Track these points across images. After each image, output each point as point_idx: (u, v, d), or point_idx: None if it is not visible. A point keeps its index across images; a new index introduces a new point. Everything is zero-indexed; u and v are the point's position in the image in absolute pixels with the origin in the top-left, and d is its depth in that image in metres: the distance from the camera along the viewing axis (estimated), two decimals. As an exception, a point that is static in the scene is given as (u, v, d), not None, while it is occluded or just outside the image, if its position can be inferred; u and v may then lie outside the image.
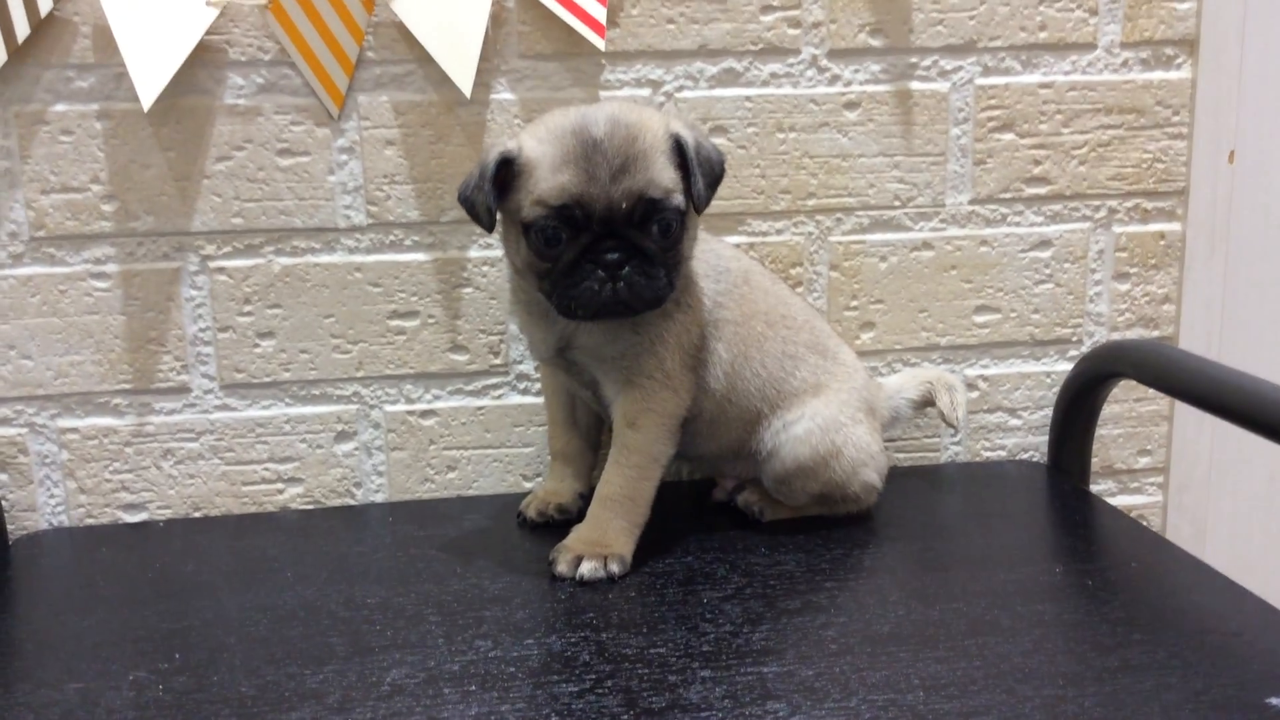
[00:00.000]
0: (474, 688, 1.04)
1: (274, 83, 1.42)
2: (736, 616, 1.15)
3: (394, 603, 1.22)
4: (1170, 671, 1.03)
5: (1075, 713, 0.97)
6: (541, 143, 1.17)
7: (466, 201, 1.22)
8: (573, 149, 1.14)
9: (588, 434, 1.43)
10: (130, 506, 1.50)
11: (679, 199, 1.17)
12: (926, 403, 1.46)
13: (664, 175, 1.16)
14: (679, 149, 1.18)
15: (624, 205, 1.14)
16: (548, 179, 1.15)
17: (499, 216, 1.24)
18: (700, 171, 1.18)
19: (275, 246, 1.46)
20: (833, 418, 1.33)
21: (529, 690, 1.03)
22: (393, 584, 1.26)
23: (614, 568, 1.25)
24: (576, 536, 1.29)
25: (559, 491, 1.43)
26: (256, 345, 1.48)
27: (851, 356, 1.42)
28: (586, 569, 1.24)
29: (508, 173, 1.19)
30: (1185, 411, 1.63)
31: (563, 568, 1.26)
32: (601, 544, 1.27)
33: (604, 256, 1.15)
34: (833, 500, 1.36)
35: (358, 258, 1.47)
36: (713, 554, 1.32)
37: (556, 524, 1.38)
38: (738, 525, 1.40)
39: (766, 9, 1.47)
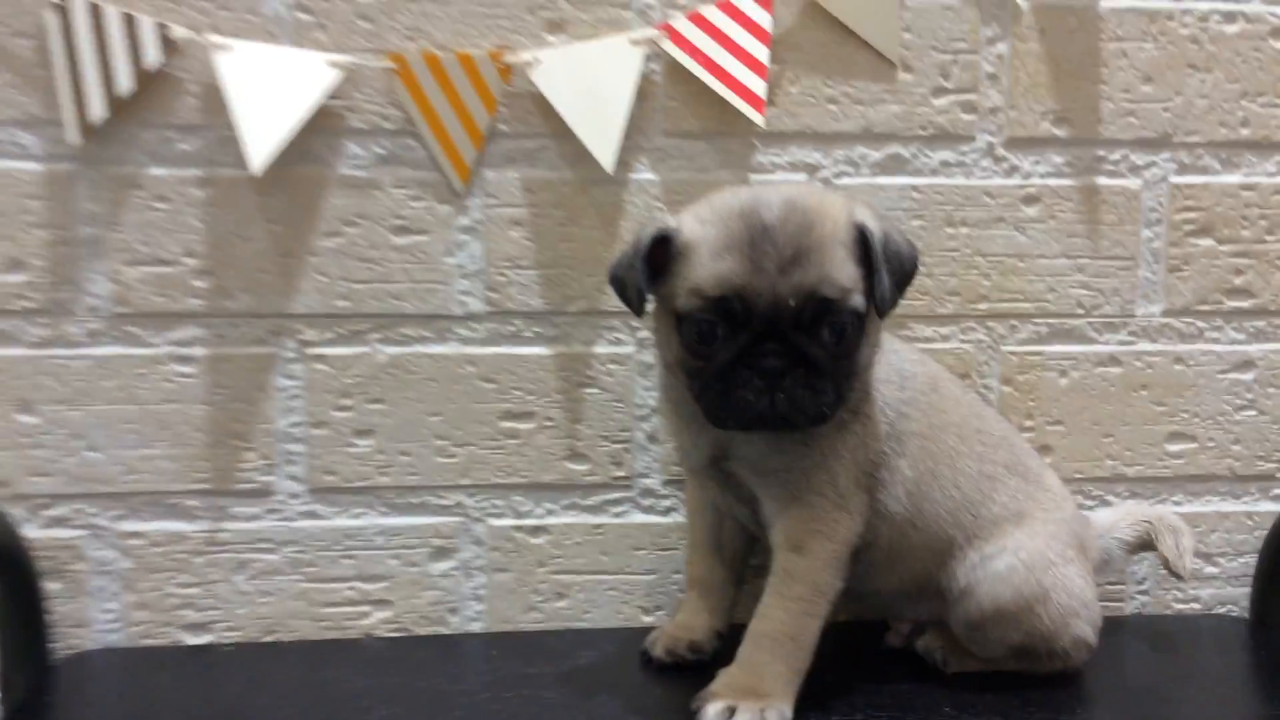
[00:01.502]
0: None
1: (395, 154, 1.28)
2: (939, 793, 0.93)
3: (510, 755, 1.01)
4: None
5: None
6: (704, 223, 1.03)
7: (617, 281, 1.09)
8: (738, 233, 1.01)
9: (732, 562, 1.25)
10: (194, 626, 1.32)
11: (857, 300, 1.02)
12: (1144, 546, 1.27)
13: (841, 271, 1.01)
14: (863, 241, 1.03)
15: (792, 303, 1.00)
16: (707, 265, 1.01)
17: (653, 302, 1.10)
18: (886, 269, 1.03)
19: (382, 334, 1.30)
20: (1040, 554, 1.14)
21: None
22: (506, 731, 1.06)
23: (773, 720, 1.04)
24: (726, 681, 1.08)
25: (693, 626, 1.24)
26: (352, 445, 1.31)
27: (1057, 482, 1.24)
28: (742, 722, 1.04)
29: (665, 254, 1.05)
30: None
31: (712, 718, 1.04)
32: (757, 692, 1.07)
33: (763, 362, 1.01)
34: (1035, 655, 1.16)
35: (472, 349, 1.32)
36: (887, 711, 1.11)
37: (687, 665, 1.20)
38: (914, 677, 1.19)
39: (939, 91, 1.33)
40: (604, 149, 1.27)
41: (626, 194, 1.31)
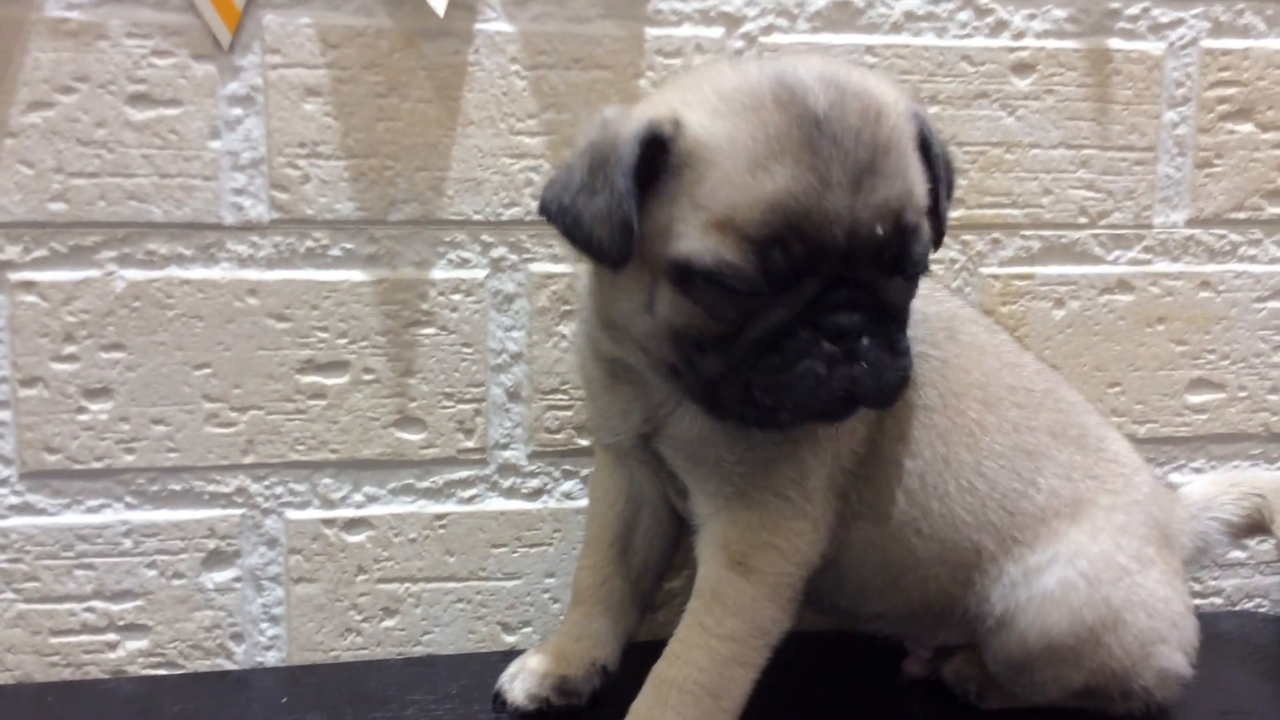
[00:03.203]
0: None
1: None
2: None
3: None
4: None
5: None
6: (719, 116, 0.74)
7: (566, 214, 0.78)
8: (784, 131, 0.73)
9: (641, 575, 0.99)
10: None
11: (927, 223, 0.80)
12: (1254, 528, 1.05)
13: (920, 184, 0.78)
14: (924, 142, 0.80)
15: (877, 231, 0.74)
16: (744, 184, 0.73)
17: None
18: (946, 181, 0.83)
19: (119, 251, 0.99)
20: (1107, 559, 0.91)
21: None
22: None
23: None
24: None
25: (568, 657, 0.96)
26: (82, 410, 1.00)
27: (1124, 446, 1.00)
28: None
29: (651, 167, 0.76)
30: None
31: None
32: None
33: (836, 319, 0.75)
34: (1105, 696, 0.93)
35: (253, 273, 1.00)
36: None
37: (556, 715, 0.94)
38: (940, 715, 0.99)
39: (903, -85, 1.05)
40: (435, -18, 0.95)
41: (471, 51, 1.01)
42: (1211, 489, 1.07)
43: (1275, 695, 1.08)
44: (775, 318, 0.74)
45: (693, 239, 0.73)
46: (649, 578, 0.98)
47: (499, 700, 0.94)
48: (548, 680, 0.93)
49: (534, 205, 1.00)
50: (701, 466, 0.86)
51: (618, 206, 0.74)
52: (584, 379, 0.97)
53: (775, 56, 1.01)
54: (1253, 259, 1.15)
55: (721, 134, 0.73)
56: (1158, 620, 0.92)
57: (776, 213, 0.72)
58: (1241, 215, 1.14)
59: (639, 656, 0.93)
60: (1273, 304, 1.15)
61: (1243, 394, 1.17)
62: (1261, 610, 1.21)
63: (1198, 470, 1.17)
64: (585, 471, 1.05)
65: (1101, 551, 0.92)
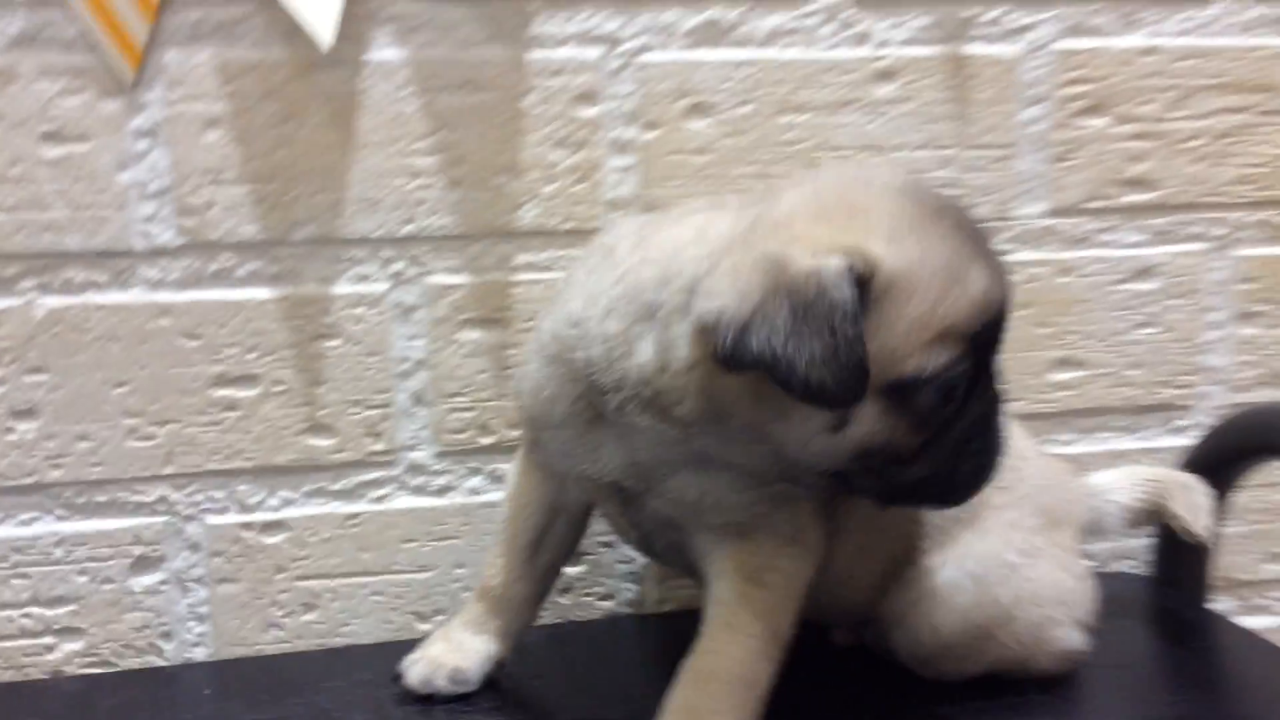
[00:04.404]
0: None
1: (36, 32, 0.97)
2: None
3: None
4: None
5: None
6: (897, 240, 0.74)
7: (779, 362, 0.71)
8: (957, 236, 0.77)
9: (545, 574, 0.98)
10: None
11: None
12: (1152, 515, 1.08)
13: None
14: None
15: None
16: (956, 294, 0.75)
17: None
18: None
19: (37, 280, 1.01)
20: (994, 557, 0.93)
21: None
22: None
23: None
24: None
25: (465, 649, 0.97)
26: (9, 430, 1.02)
27: (1015, 434, 0.99)
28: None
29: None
30: (1334, 501, 1.24)
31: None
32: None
33: (995, 391, 0.82)
34: (1010, 674, 0.96)
35: (165, 296, 1.03)
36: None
37: (443, 700, 0.95)
38: (870, 678, 0.99)
39: (765, -66, 1.07)
40: (320, 18, 0.97)
41: (363, 79, 1.03)
42: (1111, 478, 1.08)
43: (1153, 647, 1.11)
44: (979, 406, 0.79)
45: (920, 356, 0.74)
46: (552, 574, 0.99)
47: (397, 677, 0.96)
48: (442, 670, 0.95)
49: (430, 222, 1.05)
50: (701, 516, 0.86)
51: (847, 351, 0.70)
52: (542, 411, 0.88)
53: (829, 167, 1.04)
54: (1108, 244, 1.17)
55: (914, 256, 0.73)
56: (1048, 607, 0.94)
57: (985, 310, 0.76)
58: (1098, 204, 1.16)
59: (535, 636, 0.99)
60: (1129, 285, 1.18)
61: (1104, 370, 1.20)
62: (1131, 570, 1.23)
63: (1066, 443, 1.19)
64: (491, 467, 1.08)
65: (989, 549, 0.93)
